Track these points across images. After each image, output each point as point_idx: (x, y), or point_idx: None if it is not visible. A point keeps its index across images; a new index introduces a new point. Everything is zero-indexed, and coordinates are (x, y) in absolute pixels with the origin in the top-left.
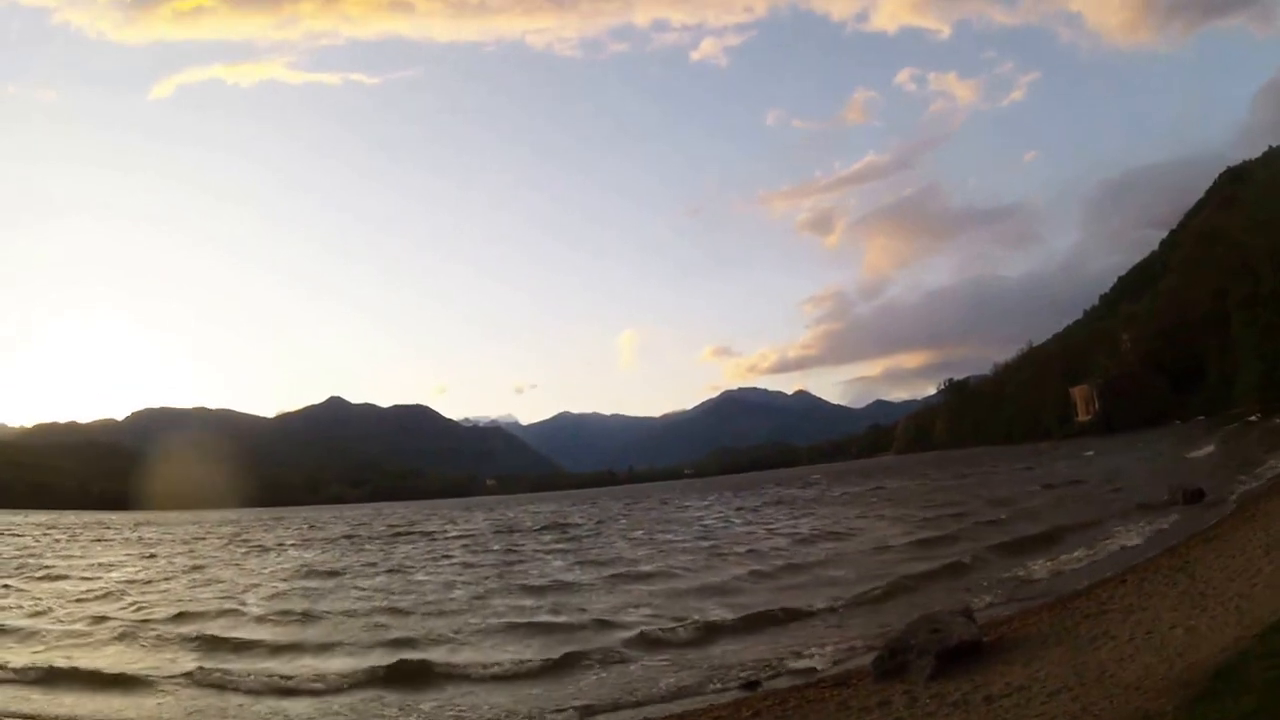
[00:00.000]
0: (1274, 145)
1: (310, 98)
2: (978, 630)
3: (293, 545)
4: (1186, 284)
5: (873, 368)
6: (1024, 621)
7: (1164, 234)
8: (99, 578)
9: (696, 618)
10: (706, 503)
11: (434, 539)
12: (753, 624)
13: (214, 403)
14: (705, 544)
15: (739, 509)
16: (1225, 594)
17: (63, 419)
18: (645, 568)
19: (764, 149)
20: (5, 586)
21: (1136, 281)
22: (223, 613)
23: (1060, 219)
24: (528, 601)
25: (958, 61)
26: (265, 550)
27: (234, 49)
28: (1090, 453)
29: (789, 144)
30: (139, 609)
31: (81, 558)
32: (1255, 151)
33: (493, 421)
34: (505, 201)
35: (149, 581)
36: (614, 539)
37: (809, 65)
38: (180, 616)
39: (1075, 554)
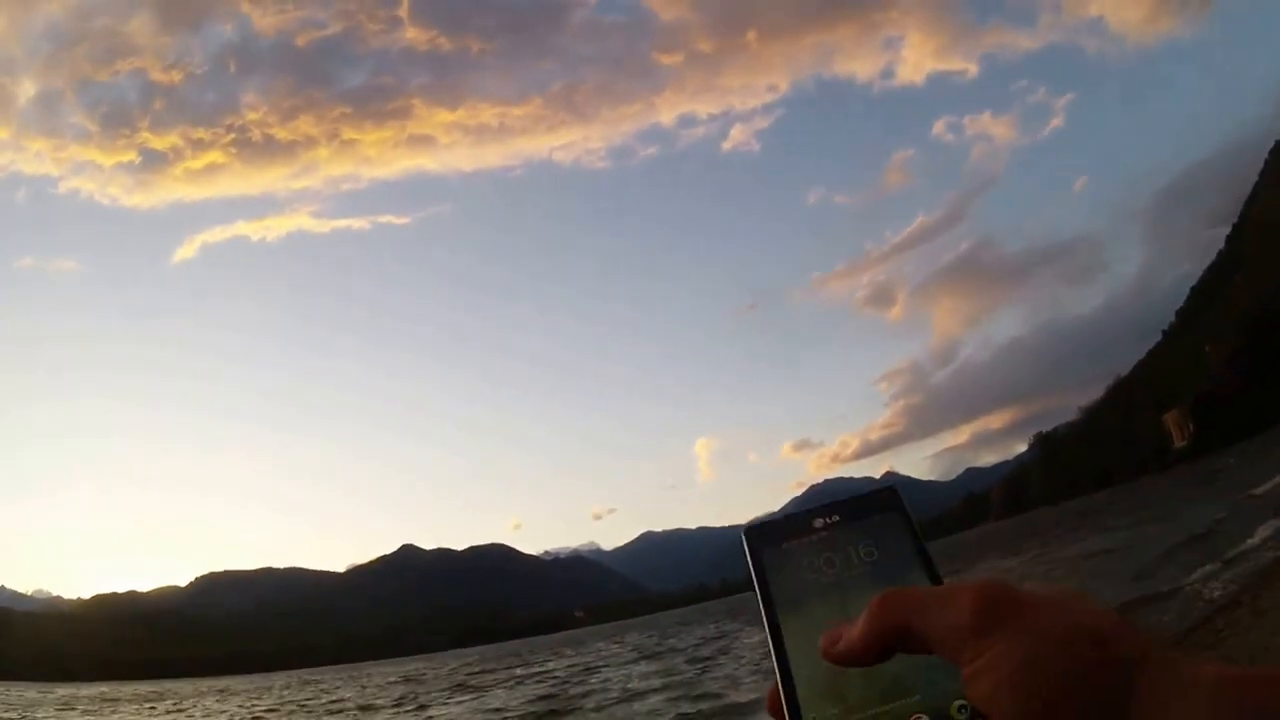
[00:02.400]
0: None
1: (340, 244)
2: None
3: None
4: (1259, 277)
5: (959, 435)
6: None
7: (1228, 229)
8: None
9: None
10: None
11: None
12: None
13: (281, 562)
14: None
15: None
16: None
17: (121, 589)
18: None
19: (810, 231)
20: None
21: (1210, 286)
22: None
23: (1123, 241)
24: None
25: (990, 99)
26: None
27: (254, 203)
28: (1190, 479)
29: (835, 222)
30: None
31: None
32: None
33: (574, 551)
34: (553, 325)
35: None
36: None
37: (842, 135)
38: None
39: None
